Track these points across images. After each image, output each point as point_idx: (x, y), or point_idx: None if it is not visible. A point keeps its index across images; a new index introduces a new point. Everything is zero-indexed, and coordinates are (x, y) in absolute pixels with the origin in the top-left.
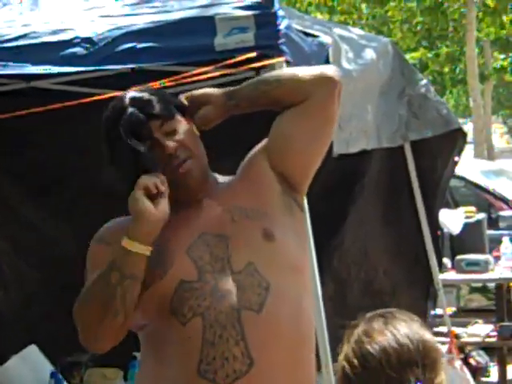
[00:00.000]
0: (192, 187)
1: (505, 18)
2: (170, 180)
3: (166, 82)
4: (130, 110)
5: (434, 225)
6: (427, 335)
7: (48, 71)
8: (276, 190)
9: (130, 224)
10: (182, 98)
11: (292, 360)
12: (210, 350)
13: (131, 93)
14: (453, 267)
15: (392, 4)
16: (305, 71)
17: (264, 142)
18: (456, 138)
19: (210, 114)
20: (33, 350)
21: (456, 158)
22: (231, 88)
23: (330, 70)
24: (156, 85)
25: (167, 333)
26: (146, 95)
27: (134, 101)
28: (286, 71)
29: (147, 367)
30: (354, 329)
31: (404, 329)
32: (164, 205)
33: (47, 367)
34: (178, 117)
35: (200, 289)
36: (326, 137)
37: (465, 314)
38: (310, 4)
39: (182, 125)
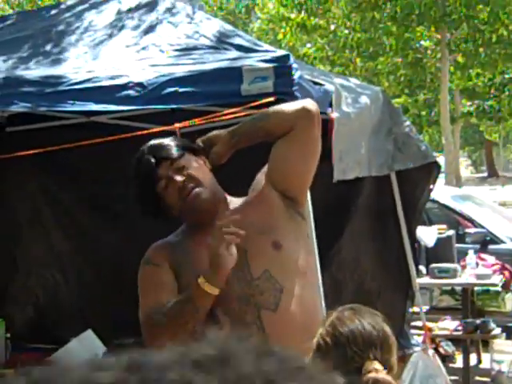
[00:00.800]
0: (203, 210)
1: (472, 72)
2: (184, 209)
3: (197, 121)
4: (146, 157)
5: (413, 239)
6: (386, 327)
7: (107, 109)
8: (279, 205)
9: (210, 268)
10: (199, 141)
11: (305, 348)
12: None
13: (150, 143)
14: (427, 273)
15: (381, 59)
16: (289, 106)
17: (265, 168)
18: (432, 169)
19: (219, 151)
20: (88, 334)
21: (431, 186)
22: (234, 127)
23: (308, 103)
24: (188, 123)
25: (203, 331)
26: (160, 142)
27: (150, 148)
28: (275, 108)
29: None
30: (329, 316)
31: (369, 319)
32: (234, 249)
33: (100, 348)
34: (187, 156)
35: (228, 294)
36: (314, 156)
37: (436, 312)
38: (315, 58)
39: (190, 161)
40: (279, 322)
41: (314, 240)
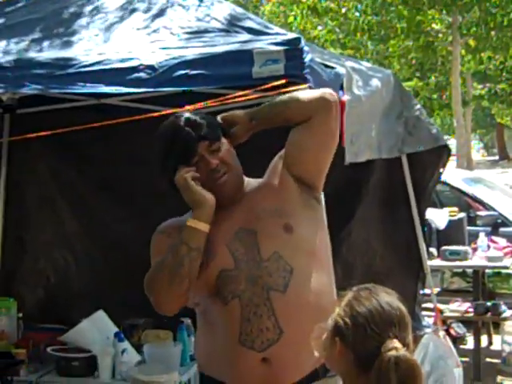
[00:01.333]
0: (227, 195)
1: (483, 55)
2: (210, 188)
3: (209, 103)
4: (186, 129)
5: (423, 221)
6: (401, 305)
7: (118, 91)
8: (294, 190)
9: (193, 209)
10: (219, 117)
11: (314, 325)
12: (247, 325)
13: (186, 115)
14: (438, 256)
15: (392, 42)
16: (309, 94)
17: (282, 152)
18: (442, 153)
19: (238, 132)
20: (100, 315)
21: (441, 169)
22: (252, 109)
23: (327, 93)
24: (201, 105)
25: (213, 311)
26: (198, 119)
27: (189, 122)
28: (294, 95)
29: (202, 336)
30: (344, 296)
31: (385, 298)
32: (211, 198)
33: (112, 328)
34: (222, 139)
35: (237, 275)
36: (331, 145)
37: (447, 294)
38: (326, 40)
39: (224, 145)
40: (289, 303)
41: (325, 223)
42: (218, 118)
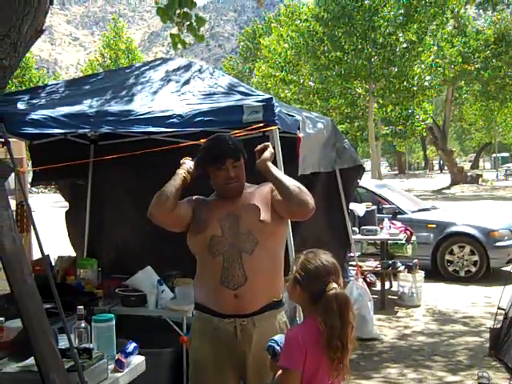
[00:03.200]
0: (231, 195)
1: (388, 108)
2: (223, 190)
3: None
4: (223, 148)
5: (348, 211)
6: (335, 261)
7: (159, 131)
8: (271, 206)
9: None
10: (270, 147)
11: (268, 277)
12: (226, 272)
13: (227, 135)
14: (359, 232)
15: (331, 100)
16: (303, 192)
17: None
18: (359, 169)
19: (260, 165)
20: (148, 269)
21: (358, 180)
22: (271, 168)
23: (311, 200)
24: None
25: (205, 261)
26: (234, 141)
27: (226, 142)
28: (296, 187)
29: (197, 277)
30: (298, 258)
31: (324, 257)
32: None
33: (156, 277)
34: (241, 159)
35: (222, 240)
36: (292, 219)
37: (364, 256)
38: (290, 99)
39: (241, 164)
40: (253, 261)
41: (286, 226)
42: (267, 152)
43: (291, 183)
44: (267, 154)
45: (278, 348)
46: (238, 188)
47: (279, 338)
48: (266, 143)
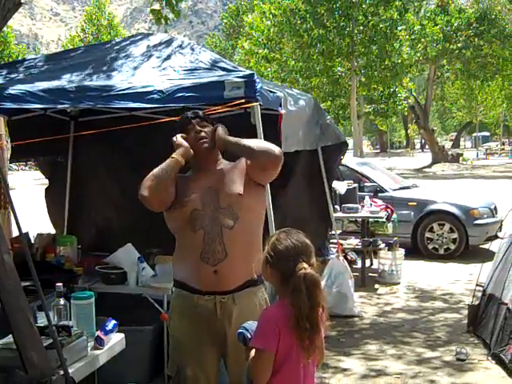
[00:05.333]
0: (204, 155)
1: (370, 87)
2: (195, 148)
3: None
4: (188, 113)
5: (330, 189)
6: (307, 240)
7: (140, 106)
8: (248, 177)
9: (176, 149)
10: (220, 127)
11: (247, 253)
12: (206, 247)
13: (194, 110)
14: (340, 210)
15: (313, 78)
16: (264, 143)
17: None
18: (342, 146)
19: (218, 141)
20: (129, 246)
21: (342, 157)
22: (234, 139)
23: (276, 147)
24: None
25: (186, 236)
26: (197, 111)
27: (193, 112)
28: (256, 142)
29: (176, 253)
30: (270, 238)
31: (295, 237)
32: (187, 146)
33: (136, 255)
34: (209, 124)
35: (203, 214)
36: (268, 176)
37: (345, 234)
38: (272, 77)
39: (208, 126)
40: (233, 236)
41: (269, 191)
42: (218, 129)
43: (250, 141)
44: (219, 130)
45: (248, 335)
46: (209, 147)
47: (249, 324)
48: (215, 124)
